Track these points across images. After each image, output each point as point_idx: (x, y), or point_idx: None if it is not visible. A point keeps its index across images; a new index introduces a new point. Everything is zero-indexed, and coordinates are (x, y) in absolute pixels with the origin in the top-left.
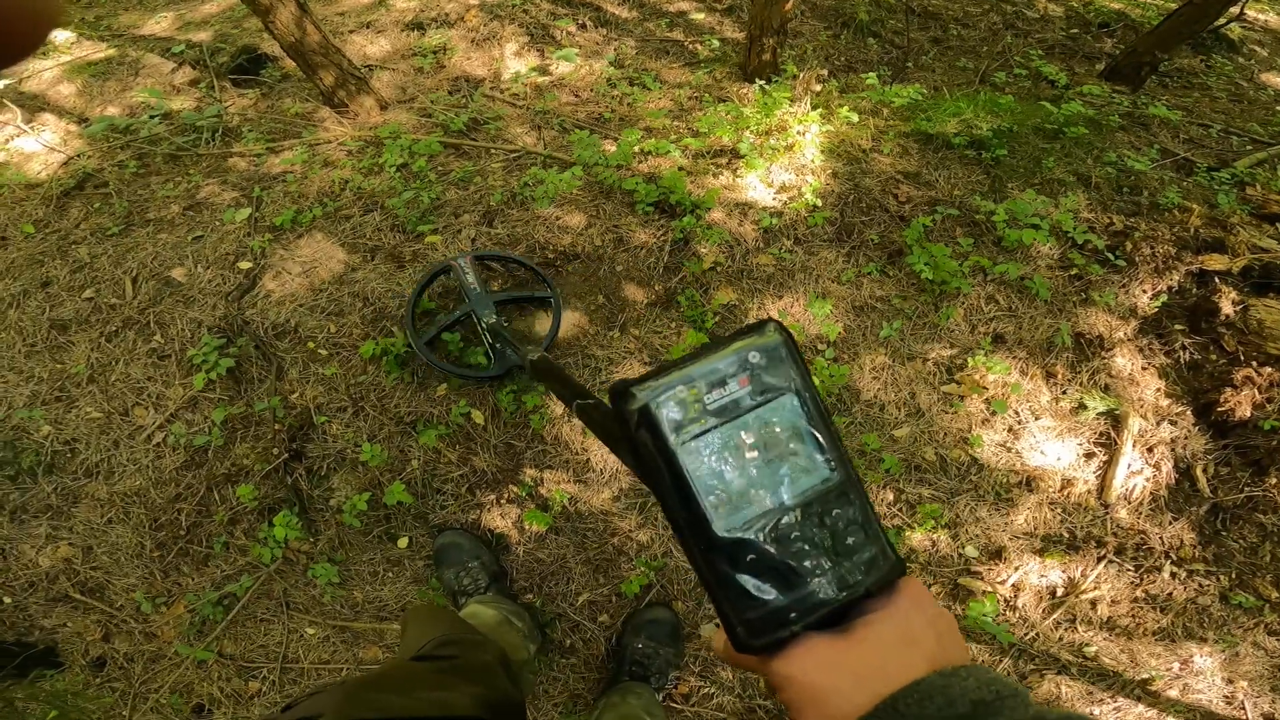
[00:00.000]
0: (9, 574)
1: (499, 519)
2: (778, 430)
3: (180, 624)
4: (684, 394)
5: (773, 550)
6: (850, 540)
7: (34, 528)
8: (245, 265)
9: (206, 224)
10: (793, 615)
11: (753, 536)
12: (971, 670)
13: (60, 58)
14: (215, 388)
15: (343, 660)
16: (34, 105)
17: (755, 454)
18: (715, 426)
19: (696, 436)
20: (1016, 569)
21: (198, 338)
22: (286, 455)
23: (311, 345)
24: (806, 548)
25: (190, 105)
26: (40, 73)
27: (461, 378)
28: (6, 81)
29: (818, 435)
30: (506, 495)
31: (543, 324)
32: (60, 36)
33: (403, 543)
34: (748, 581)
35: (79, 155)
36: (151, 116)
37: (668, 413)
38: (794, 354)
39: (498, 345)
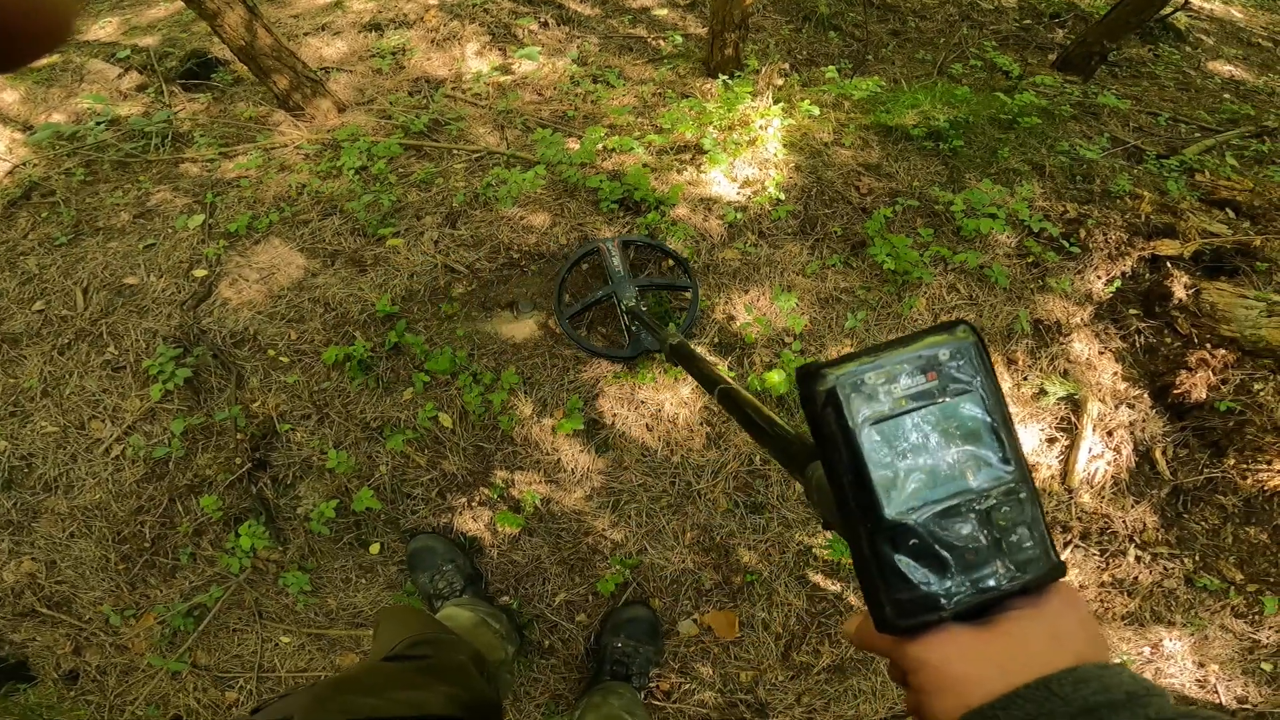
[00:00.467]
0: None
1: (471, 522)
2: (958, 426)
3: (151, 636)
4: (872, 380)
5: (935, 538)
6: (1014, 537)
7: None
8: (200, 273)
9: (158, 231)
10: (943, 601)
11: (918, 522)
12: (1123, 667)
13: None
14: (173, 398)
15: (319, 667)
16: None
17: (933, 445)
18: (898, 414)
19: (878, 421)
20: None
21: (153, 348)
22: (250, 464)
23: (272, 353)
24: (969, 540)
25: (138, 111)
26: None
27: (598, 355)
28: None
29: (998, 435)
30: (478, 498)
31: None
32: None
33: (374, 549)
34: (905, 564)
35: (24, 164)
36: (98, 123)
37: (854, 396)
38: (983, 356)
39: (634, 328)
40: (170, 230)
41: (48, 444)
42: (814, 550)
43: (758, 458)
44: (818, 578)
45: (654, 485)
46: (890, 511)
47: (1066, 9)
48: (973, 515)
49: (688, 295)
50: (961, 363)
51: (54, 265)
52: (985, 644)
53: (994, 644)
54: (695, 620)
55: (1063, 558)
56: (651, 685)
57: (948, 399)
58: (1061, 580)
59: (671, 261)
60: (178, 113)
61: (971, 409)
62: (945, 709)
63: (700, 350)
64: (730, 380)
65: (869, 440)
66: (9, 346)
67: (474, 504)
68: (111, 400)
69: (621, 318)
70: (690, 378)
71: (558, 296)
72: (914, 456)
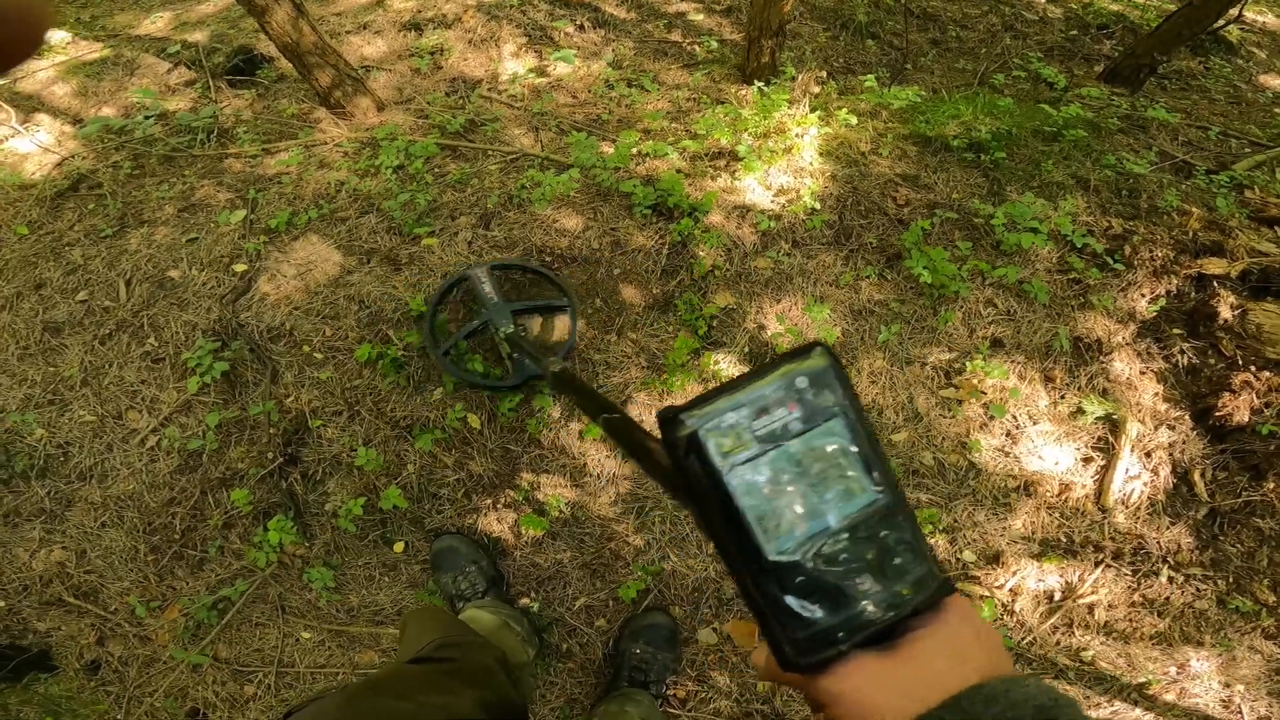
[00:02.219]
0: (2, 577)
1: (495, 523)
2: (826, 454)
3: (175, 628)
4: (732, 420)
5: (821, 572)
6: (898, 560)
7: (27, 531)
8: (240, 268)
9: (201, 226)
10: (840, 635)
11: (801, 559)
12: (1029, 679)
13: (55, 58)
14: (209, 391)
15: (339, 664)
16: (29, 105)
17: (804, 478)
18: (764, 452)
19: (745, 462)
20: (1014, 573)
21: (192, 341)
22: (281, 459)
23: (307, 349)
24: (854, 568)
25: (185, 106)
26: (35, 73)
27: (478, 388)
28: (1, 82)
29: (865, 458)
30: (503, 500)
31: (557, 332)
32: (56, 36)
33: (399, 547)
34: (796, 603)
35: (73, 156)
36: (146, 117)
37: (716, 439)
38: (841, 378)
39: (515, 355)
40: (213, 225)
41: (85, 433)
42: None
43: None
44: None
45: None
46: (772, 553)
47: (1115, 20)
48: (854, 543)
49: (567, 317)
50: (821, 389)
51: (98, 257)
52: (892, 669)
53: (901, 669)
54: (715, 629)
55: (969, 581)
56: (668, 693)
57: (812, 428)
58: (955, 596)
59: (549, 284)
60: (223, 108)
61: (837, 436)
62: None
63: (730, 360)
64: (618, 407)
65: (738, 482)
66: (51, 335)
67: (499, 506)
68: (149, 391)
69: (500, 346)
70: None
71: (430, 334)
72: (786, 492)
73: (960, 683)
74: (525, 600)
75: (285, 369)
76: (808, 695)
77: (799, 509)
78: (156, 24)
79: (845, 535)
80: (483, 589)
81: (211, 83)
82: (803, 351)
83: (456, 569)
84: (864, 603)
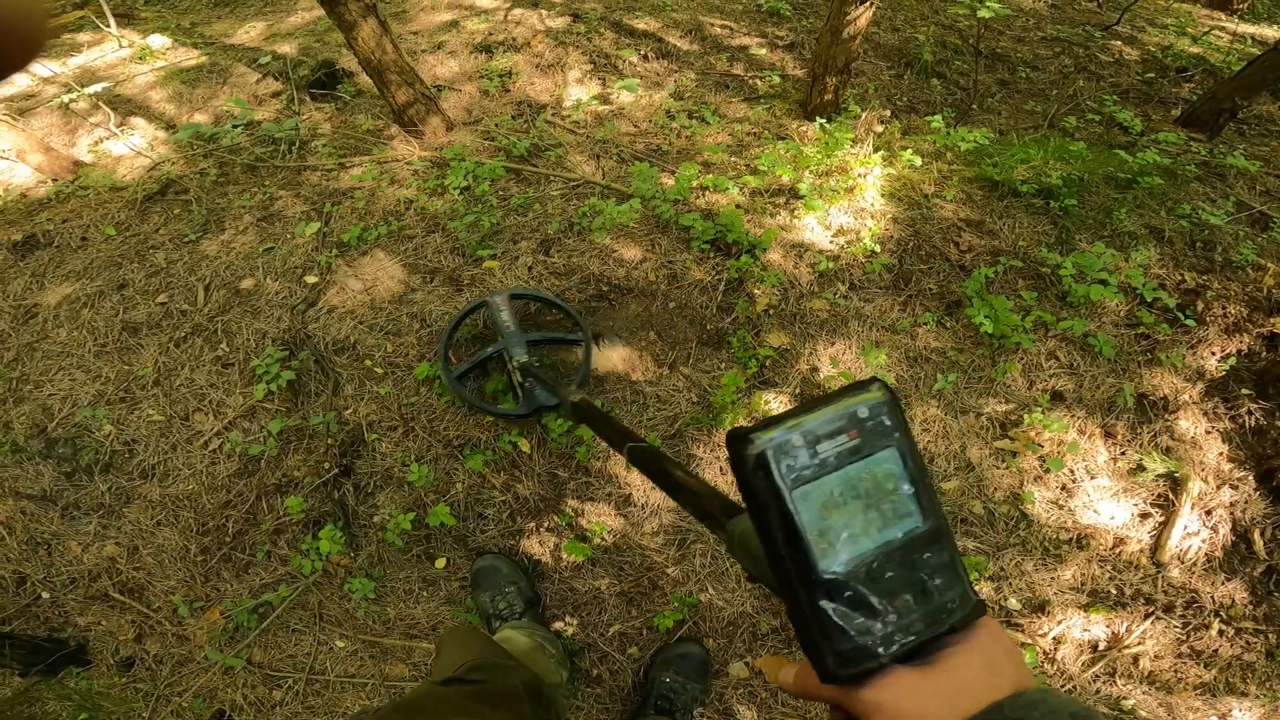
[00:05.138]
0: (52, 569)
1: (537, 546)
2: (879, 480)
3: (214, 629)
4: (797, 442)
5: (867, 589)
6: (938, 581)
7: (83, 525)
8: (311, 279)
9: (278, 236)
10: (881, 649)
11: (850, 576)
12: (1058, 690)
13: (155, 63)
14: (274, 399)
15: (368, 675)
16: (126, 109)
17: (858, 500)
18: (823, 474)
19: (806, 482)
20: (1059, 622)
21: (262, 348)
22: (337, 470)
23: (368, 363)
24: (898, 587)
25: (270, 116)
26: (135, 77)
27: (485, 414)
28: (105, 84)
29: (915, 487)
30: (547, 524)
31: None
32: (156, 42)
33: (440, 563)
34: (842, 615)
35: (164, 161)
36: (235, 126)
37: (782, 459)
38: (897, 411)
39: (526, 384)
40: (289, 235)
41: (151, 432)
42: None
43: None
44: None
45: None
46: (824, 568)
47: (1194, 63)
48: (899, 564)
49: (579, 352)
50: (879, 420)
51: (180, 261)
52: (929, 681)
53: (937, 680)
54: (747, 663)
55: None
56: None
57: (869, 455)
58: (986, 617)
59: (562, 315)
60: (304, 120)
61: (890, 464)
62: None
63: (780, 400)
64: (642, 438)
65: (799, 500)
66: (129, 335)
67: (542, 529)
68: (217, 395)
69: (513, 374)
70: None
71: (444, 357)
72: (842, 513)
73: (994, 694)
74: (560, 624)
75: (347, 381)
76: (842, 707)
77: (851, 529)
78: (250, 33)
79: (891, 556)
80: (520, 610)
81: (296, 95)
82: (863, 385)
83: (495, 588)
84: (905, 619)
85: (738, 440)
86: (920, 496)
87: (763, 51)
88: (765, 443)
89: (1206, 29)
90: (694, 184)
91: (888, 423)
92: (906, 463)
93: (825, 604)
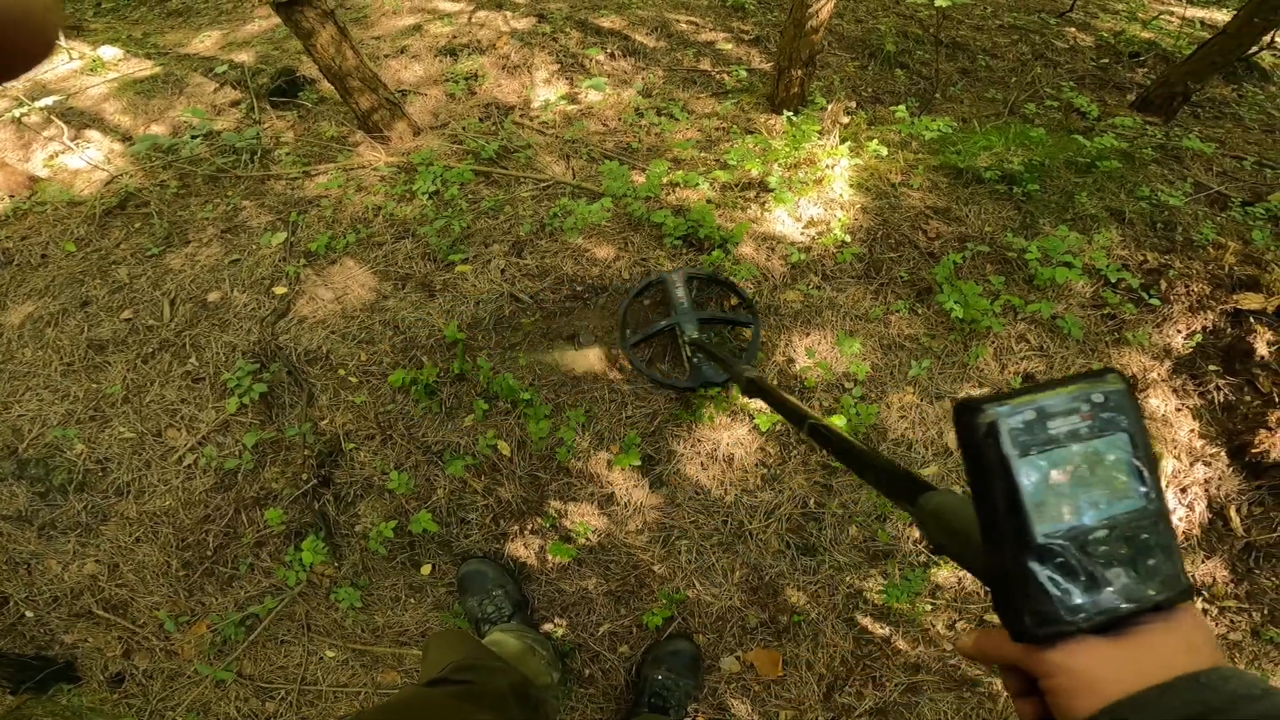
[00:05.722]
0: (33, 589)
1: (522, 549)
2: (1106, 460)
3: (201, 643)
4: (1030, 416)
5: (1078, 559)
6: (1152, 561)
7: (61, 544)
8: (280, 290)
9: (243, 247)
10: (1082, 615)
11: (1063, 544)
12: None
13: (107, 74)
14: (247, 412)
15: (360, 684)
16: (80, 122)
17: (1082, 476)
18: (1051, 448)
19: (1033, 453)
20: None
21: (232, 362)
22: (315, 481)
23: (342, 372)
24: (1109, 560)
25: (231, 126)
26: (87, 89)
27: (659, 385)
28: (56, 98)
29: (1141, 471)
30: (531, 526)
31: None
32: (108, 53)
33: (426, 570)
34: (1048, 580)
35: (122, 174)
36: (194, 136)
37: (1012, 429)
38: (1132, 400)
39: (695, 359)
40: (255, 246)
41: (124, 449)
42: (865, 594)
43: (813, 500)
44: (866, 620)
45: (706, 523)
46: (1039, 534)
47: (1147, 48)
48: (1114, 539)
49: (748, 333)
50: (1113, 405)
51: (144, 275)
52: (1121, 651)
53: (1130, 651)
54: (738, 657)
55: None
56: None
57: (1099, 437)
58: (1190, 604)
59: (735, 298)
60: (266, 129)
61: (1120, 448)
62: (1082, 707)
63: None
64: (817, 414)
65: (1024, 468)
66: (95, 352)
67: (526, 532)
68: (189, 410)
69: (684, 349)
70: (772, 410)
71: (621, 326)
72: (1064, 486)
73: (1193, 667)
74: (549, 626)
75: (321, 392)
76: (1023, 667)
77: (1070, 501)
78: (205, 43)
79: (1107, 531)
80: (508, 613)
81: (256, 103)
82: (1100, 373)
83: (483, 592)
84: (1111, 591)
85: (968, 410)
86: (1146, 480)
87: (729, 46)
88: (997, 413)
89: (1156, 13)
90: (665, 180)
91: (1121, 409)
92: (1136, 447)
93: (1034, 565)
